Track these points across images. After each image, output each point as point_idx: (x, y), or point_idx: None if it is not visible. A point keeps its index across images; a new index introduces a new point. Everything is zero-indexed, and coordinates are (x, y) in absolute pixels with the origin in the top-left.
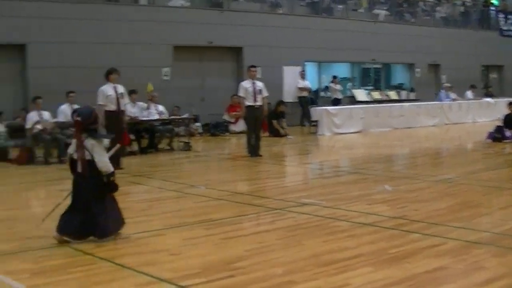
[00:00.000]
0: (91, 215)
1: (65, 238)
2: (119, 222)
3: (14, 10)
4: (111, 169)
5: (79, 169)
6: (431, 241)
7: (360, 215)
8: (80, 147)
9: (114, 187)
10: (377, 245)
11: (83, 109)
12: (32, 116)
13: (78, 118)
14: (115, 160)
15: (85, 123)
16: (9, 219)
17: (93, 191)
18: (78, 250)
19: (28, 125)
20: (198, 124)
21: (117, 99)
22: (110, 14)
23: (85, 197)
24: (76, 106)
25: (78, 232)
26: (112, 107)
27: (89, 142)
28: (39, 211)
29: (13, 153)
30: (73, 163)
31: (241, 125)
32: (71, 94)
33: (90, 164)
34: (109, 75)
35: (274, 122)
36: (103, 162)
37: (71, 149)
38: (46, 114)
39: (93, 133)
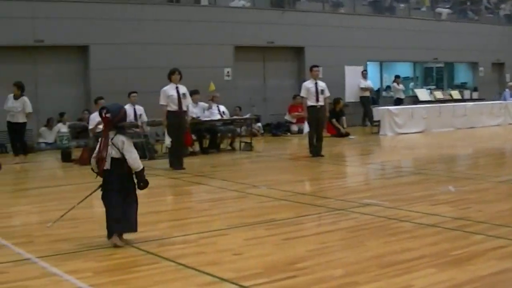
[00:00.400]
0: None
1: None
2: (129, 224)
3: (77, 12)
4: (141, 165)
5: (106, 166)
6: (495, 243)
7: (423, 216)
8: (106, 144)
9: (145, 183)
10: (440, 246)
11: (112, 106)
12: (95, 117)
13: (108, 115)
14: (178, 161)
15: (114, 120)
16: (72, 218)
17: (118, 187)
18: (140, 249)
19: (91, 126)
20: (259, 124)
21: (179, 99)
22: (171, 15)
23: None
24: (138, 107)
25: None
26: (174, 107)
27: (119, 139)
28: (100, 211)
29: (76, 154)
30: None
31: (304, 126)
32: (133, 95)
33: (117, 161)
34: (171, 75)
35: (333, 121)
36: (134, 159)
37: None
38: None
39: (122, 130)
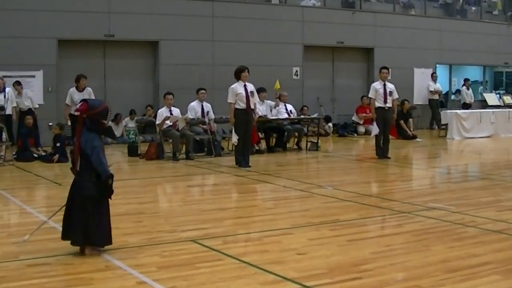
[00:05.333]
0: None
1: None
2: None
3: (148, 7)
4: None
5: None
6: None
7: (489, 221)
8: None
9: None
10: (506, 253)
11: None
12: (162, 112)
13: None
14: (244, 159)
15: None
16: (137, 213)
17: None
18: (204, 246)
19: (158, 121)
20: (330, 124)
21: (247, 97)
22: (242, 12)
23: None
24: (206, 104)
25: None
26: (242, 105)
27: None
28: (166, 206)
29: (142, 148)
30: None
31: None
32: (202, 91)
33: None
34: (241, 73)
35: (401, 122)
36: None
37: None
38: (176, 111)
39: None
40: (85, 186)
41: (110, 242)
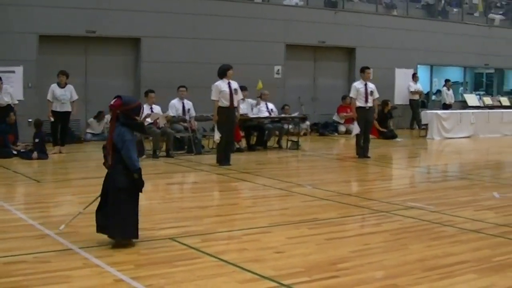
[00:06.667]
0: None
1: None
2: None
3: (130, 4)
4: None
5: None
6: None
7: (467, 221)
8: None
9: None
10: (482, 252)
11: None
12: (144, 109)
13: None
14: (225, 157)
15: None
16: None
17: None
18: (183, 244)
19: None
20: (307, 123)
21: (231, 95)
22: (224, 11)
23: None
24: (187, 101)
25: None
26: (226, 103)
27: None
28: (145, 204)
29: None
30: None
31: (354, 127)
32: (181, 89)
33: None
34: (226, 71)
35: (376, 123)
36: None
37: None
38: (157, 108)
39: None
40: (118, 178)
41: (136, 236)
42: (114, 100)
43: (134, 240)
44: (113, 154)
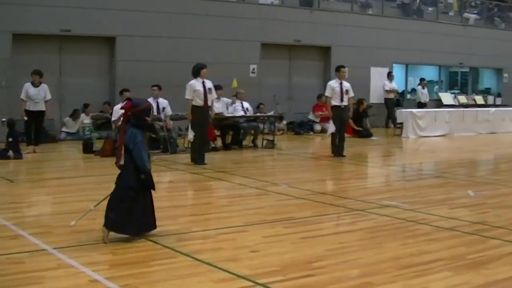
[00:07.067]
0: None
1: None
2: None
3: (105, 3)
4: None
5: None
6: (511, 248)
7: (441, 219)
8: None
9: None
10: (456, 250)
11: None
12: (118, 109)
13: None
14: (200, 156)
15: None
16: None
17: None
18: (158, 243)
19: (114, 117)
20: (284, 122)
21: (205, 94)
22: (200, 9)
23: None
24: (162, 100)
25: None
26: (200, 102)
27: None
28: None
29: (98, 145)
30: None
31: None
32: (154, 88)
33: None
34: (200, 70)
35: (350, 121)
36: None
37: None
38: None
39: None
40: (129, 178)
41: (136, 233)
42: (124, 103)
43: (136, 238)
44: (125, 154)
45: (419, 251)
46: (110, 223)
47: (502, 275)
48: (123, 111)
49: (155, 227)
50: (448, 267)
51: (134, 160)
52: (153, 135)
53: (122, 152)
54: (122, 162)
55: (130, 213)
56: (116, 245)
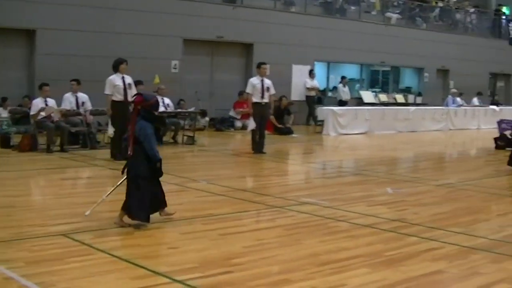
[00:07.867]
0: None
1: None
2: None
3: None
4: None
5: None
6: (428, 245)
7: (360, 216)
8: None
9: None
10: (374, 246)
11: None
12: (37, 103)
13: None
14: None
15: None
16: (7, 206)
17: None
18: (75, 240)
19: (33, 112)
20: (206, 118)
21: (125, 89)
22: (121, 4)
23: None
24: (82, 95)
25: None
26: (119, 97)
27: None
28: (38, 200)
29: (16, 140)
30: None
31: (250, 122)
32: (72, 82)
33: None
34: (119, 65)
35: (272, 118)
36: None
37: None
38: (51, 102)
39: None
40: (139, 167)
41: (146, 220)
42: (135, 97)
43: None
44: (134, 145)
45: (337, 248)
46: (127, 208)
47: (419, 271)
48: (42, 105)
49: (165, 205)
50: (366, 263)
51: (143, 151)
52: (162, 127)
53: (131, 143)
54: (130, 153)
55: (143, 200)
56: (32, 242)
